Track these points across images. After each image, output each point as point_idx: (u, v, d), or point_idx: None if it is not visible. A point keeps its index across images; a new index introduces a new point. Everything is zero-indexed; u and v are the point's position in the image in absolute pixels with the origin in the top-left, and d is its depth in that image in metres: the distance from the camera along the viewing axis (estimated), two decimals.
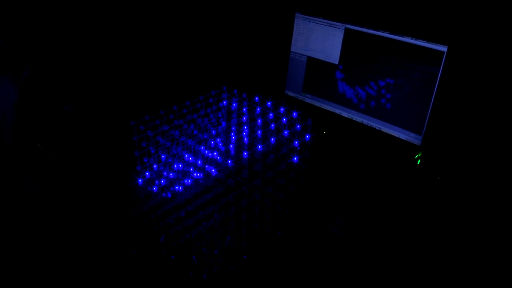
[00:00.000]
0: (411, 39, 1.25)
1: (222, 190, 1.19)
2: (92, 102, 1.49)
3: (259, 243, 1.03)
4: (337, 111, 1.47)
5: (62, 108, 1.40)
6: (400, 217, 1.12)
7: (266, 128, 1.20)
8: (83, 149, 1.33)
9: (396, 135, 1.35)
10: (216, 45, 1.78)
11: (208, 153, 1.24)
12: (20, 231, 0.96)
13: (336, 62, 1.43)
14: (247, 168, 1.25)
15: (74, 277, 0.93)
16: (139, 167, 1.12)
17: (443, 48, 1.19)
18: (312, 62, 1.49)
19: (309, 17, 1.46)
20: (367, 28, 1.33)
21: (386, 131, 1.37)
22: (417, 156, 1.31)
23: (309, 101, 1.54)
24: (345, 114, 1.46)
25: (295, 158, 1.13)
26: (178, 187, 1.17)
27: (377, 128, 1.39)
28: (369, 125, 1.40)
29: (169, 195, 1.15)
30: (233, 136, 1.27)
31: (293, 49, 1.53)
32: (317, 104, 1.52)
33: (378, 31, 1.31)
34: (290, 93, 1.59)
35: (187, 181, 1.19)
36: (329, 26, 1.41)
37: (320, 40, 1.45)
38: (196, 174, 1.22)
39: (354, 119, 1.43)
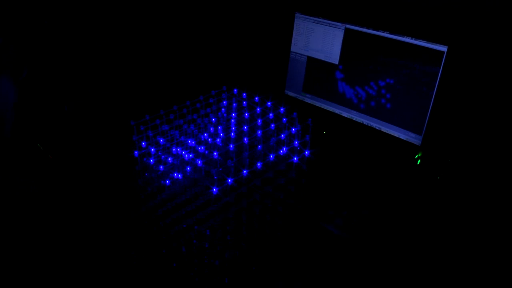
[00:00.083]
0: (411, 39, 1.25)
1: (222, 190, 1.19)
2: (92, 102, 1.49)
3: (259, 243, 1.03)
4: (337, 111, 1.47)
5: (62, 108, 1.40)
6: (400, 217, 1.12)
7: (266, 128, 1.20)
8: (83, 149, 1.33)
9: (396, 135, 1.35)
10: (216, 45, 1.78)
11: (208, 153, 1.24)
12: (20, 231, 0.96)
13: (336, 62, 1.43)
14: (247, 168, 1.25)
15: (74, 277, 0.93)
16: (139, 167, 1.12)
17: (443, 48, 1.19)
18: (312, 62, 1.49)
19: (309, 17, 1.46)
20: (367, 28, 1.33)
21: (386, 131, 1.37)
22: (417, 156, 1.31)
23: (309, 101, 1.54)
24: (345, 114, 1.46)
25: (295, 158, 1.13)
26: (178, 188, 1.17)
27: (377, 128, 1.39)
28: (369, 125, 1.40)
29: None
30: (233, 136, 1.27)
31: (293, 49, 1.53)
32: (317, 104, 1.52)
33: (378, 31, 1.31)
34: (290, 93, 1.59)
35: (187, 181, 1.19)
36: (329, 26, 1.41)
37: (320, 40, 1.45)
38: (196, 174, 1.22)
39: (354, 119, 1.43)
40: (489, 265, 0.99)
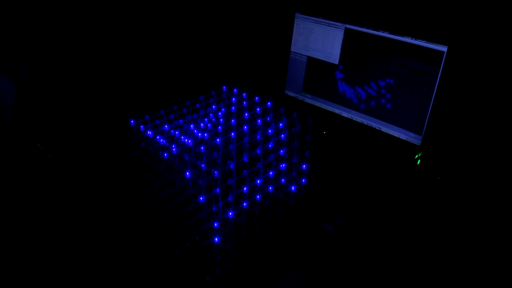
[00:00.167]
0: (411, 39, 1.25)
1: (222, 190, 1.19)
2: (92, 102, 1.49)
3: (259, 243, 1.02)
4: (337, 111, 1.47)
5: (62, 108, 1.40)
6: (400, 217, 1.12)
7: (266, 128, 1.20)
8: (83, 149, 1.33)
9: (396, 135, 1.35)
10: (216, 45, 1.78)
11: (207, 153, 1.24)
12: (20, 231, 0.96)
13: (336, 62, 1.43)
14: (247, 168, 1.25)
15: (74, 277, 0.93)
16: (139, 167, 1.12)
17: (443, 48, 1.19)
18: (312, 62, 1.49)
19: (309, 17, 1.46)
20: (367, 28, 1.33)
21: (386, 131, 1.37)
22: (417, 156, 1.31)
23: (309, 101, 1.54)
24: (345, 114, 1.46)
25: (295, 159, 1.13)
26: (178, 187, 1.16)
27: (377, 128, 1.39)
28: (369, 125, 1.40)
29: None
30: (233, 136, 1.27)
31: (293, 49, 1.53)
32: (317, 104, 1.52)
33: (378, 31, 1.31)
34: (290, 93, 1.59)
35: (187, 180, 1.19)
36: (329, 26, 1.41)
37: (320, 40, 1.45)
38: (196, 174, 1.22)
39: (354, 119, 1.43)
40: (489, 265, 0.99)
